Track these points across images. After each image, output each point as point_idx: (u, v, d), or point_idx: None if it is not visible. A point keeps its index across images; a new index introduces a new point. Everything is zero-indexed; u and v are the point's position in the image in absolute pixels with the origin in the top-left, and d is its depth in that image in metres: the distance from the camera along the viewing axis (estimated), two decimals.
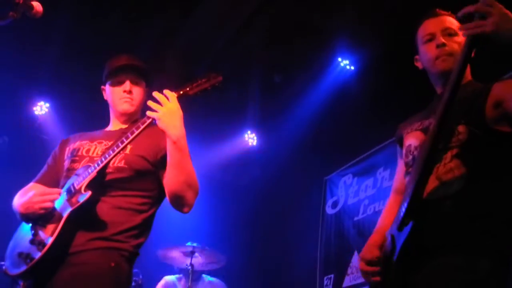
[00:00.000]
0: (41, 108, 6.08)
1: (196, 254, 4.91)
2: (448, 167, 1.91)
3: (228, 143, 6.72)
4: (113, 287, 2.25)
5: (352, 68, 5.76)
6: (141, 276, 4.77)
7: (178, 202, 2.32)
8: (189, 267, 4.86)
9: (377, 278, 2.04)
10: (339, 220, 5.80)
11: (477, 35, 1.76)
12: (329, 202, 6.06)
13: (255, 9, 5.12)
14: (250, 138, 6.81)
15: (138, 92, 2.59)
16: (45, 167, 2.64)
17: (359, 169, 5.72)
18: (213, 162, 6.61)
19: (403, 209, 1.91)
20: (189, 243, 5.01)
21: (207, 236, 5.94)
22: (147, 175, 2.40)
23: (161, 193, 2.43)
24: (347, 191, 5.78)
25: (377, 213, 5.00)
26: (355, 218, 5.51)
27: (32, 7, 2.12)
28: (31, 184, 2.59)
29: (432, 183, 1.91)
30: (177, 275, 5.28)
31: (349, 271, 5.22)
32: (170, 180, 2.30)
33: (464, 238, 1.85)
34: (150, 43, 5.34)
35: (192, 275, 4.84)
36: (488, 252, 1.82)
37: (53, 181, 2.54)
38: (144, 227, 2.41)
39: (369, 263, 2.07)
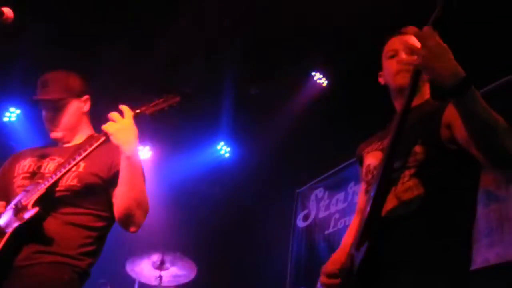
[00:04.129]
0: (11, 115, 5.96)
1: (167, 264, 4.83)
2: (407, 185, 1.93)
3: (201, 154, 6.68)
4: None
5: (325, 83, 5.77)
6: (108, 286, 4.69)
7: (126, 220, 2.26)
8: (158, 278, 4.78)
9: None
10: (310, 233, 5.80)
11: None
12: (300, 215, 6.06)
13: (232, 21, 5.12)
14: (223, 149, 6.78)
15: (58, 116, 2.51)
16: None
17: (330, 183, 5.74)
18: (186, 172, 6.56)
19: (361, 229, 1.91)
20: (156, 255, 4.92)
21: (177, 247, 5.87)
22: (100, 193, 2.36)
23: (113, 212, 2.35)
24: (319, 205, 5.80)
25: (347, 227, 4.98)
26: (326, 232, 5.52)
27: (2, 13, 2.07)
28: None
29: (391, 202, 1.92)
30: None
31: (319, 285, 5.19)
32: (120, 196, 2.26)
33: (424, 256, 1.86)
34: (123, 53, 5.28)
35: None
36: (448, 270, 1.83)
37: (1, 196, 2.44)
38: (96, 246, 2.35)
39: (329, 276, 2.09)
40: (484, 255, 3.85)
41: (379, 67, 2.31)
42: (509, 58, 4.01)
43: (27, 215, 2.20)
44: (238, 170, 6.78)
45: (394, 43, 2.21)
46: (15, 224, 2.20)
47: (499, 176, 3.87)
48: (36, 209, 2.20)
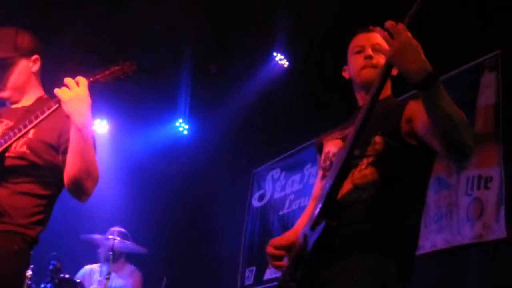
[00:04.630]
0: None
1: (118, 240, 4.81)
2: (363, 173, 2.01)
3: (158, 130, 6.62)
4: (16, 270, 2.21)
5: (287, 63, 5.77)
6: (59, 260, 4.62)
7: (77, 190, 2.26)
8: (110, 253, 4.75)
9: (281, 263, 2.17)
10: (264, 213, 5.84)
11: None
12: (256, 195, 6.09)
13: None
14: (181, 127, 6.72)
15: (6, 75, 2.43)
16: None
17: (287, 164, 5.78)
18: (142, 148, 6.51)
19: (317, 210, 1.99)
20: (111, 229, 4.90)
21: (130, 223, 5.83)
22: (49, 161, 2.32)
23: (62, 179, 2.32)
24: (274, 185, 5.84)
25: (302, 208, 5.06)
26: (280, 212, 5.57)
27: None
28: None
29: (346, 187, 2.00)
30: (98, 264, 5.17)
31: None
32: (70, 167, 2.23)
33: (374, 242, 1.94)
34: (84, 22, 5.16)
35: (113, 261, 4.73)
36: (397, 256, 1.93)
37: None
38: (45, 214, 2.34)
39: (275, 247, 2.19)
40: (432, 240, 3.96)
41: (342, 51, 2.35)
42: (465, 47, 4.10)
43: None
44: (195, 148, 6.75)
45: (361, 39, 2.27)
46: None
47: (451, 164, 3.98)
48: None
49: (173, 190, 6.69)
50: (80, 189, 2.25)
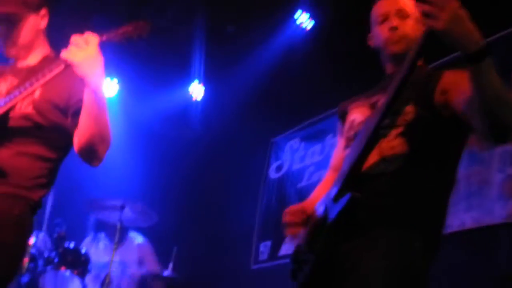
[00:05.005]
0: None
1: (127, 208, 4.85)
2: (391, 144, 2.01)
3: (171, 93, 6.61)
4: (15, 237, 2.23)
5: (311, 24, 5.70)
6: (64, 228, 4.70)
7: (89, 155, 2.30)
8: (117, 223, 4.80)
9: (298, 230, 2.17)
10: (281, 185, 5.84)
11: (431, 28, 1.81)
12: (273, 166, 6.09)
13: None
14: (196, 90, 6.71)
15: (13, 31, 2.43)
16: None
17: (307, 133, 5.75)
18: (153, 111, 6.52)
19: (341, 181, 2.00)
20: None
21: (140, 191, 5.89)
22: (56, 123, 2.34)
23: (68, 142, 2.38)
24: (293, 156, 5.82)
25: None
26: (299, 185, 5.56)
27: None
28: None
29: (372, 158, 2.00)
30: (103, 233, 5.25)
31: (287, 239, 5.28)
32: (83, 131, 2.26)
33: (400, 215, 1.96)
34: None
35: (120, 232, 4.78)
36: (423, 231, 1.94)
37: None
38: (50, 177, 2.38)
39: (292, 214, 2.20)
40: (461, 218, 3.94)
41: (367, 15, 2.30)
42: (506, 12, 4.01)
43: None
44: (210, 114, 6.74)
45: (383, 6, 2.23)
46: None
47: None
48: None
49: (185, 158, 6.71)
50: (92, 153, 2.29)
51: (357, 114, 2.21)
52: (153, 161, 6.54)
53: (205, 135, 6.80)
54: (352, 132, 2.18)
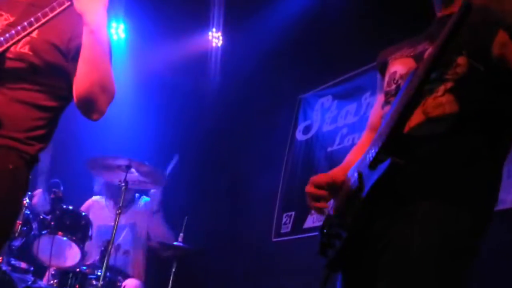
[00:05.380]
0: None
1: (133, 169, 4.83)
2: (439, 101, 1.95)
3: (187, 40, 6.57)
4: (9, 193, 2.22)
5: None
6: (62, 188, 4.70)
7: (87, 106, 2.29)
8: (122, 184, 4.79)
9: (322, 205, 2.15)
10: (309, 148, 5.80)
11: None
12: (301, 126, 6.03)
13: None
14: (215, 38, 6.65)
15: None
16: None
17: (341, 90, 5.67)
18: (168, 60, 6.49)
19: (379, 144, 1.94)
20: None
21: (149, 151, 5.88)
22: (55, 67, 2.31)
23: (71, 90, 2.34)
24: (324, 116, 5.75)
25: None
26: (329, 149, 5.50)
27: None
28: None
29: (416, 118, 1.95)
30: (105, 196, 5.27)
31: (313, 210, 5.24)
32: (81, 78, 2.25)
33: (446, 186, 1.91)
34: None
35: (125, 194, 4.77)
36: (472, 206, 1.89)
37: None
38: (49, 129, 2.36)
39: (317, 186, 2.17)
40: None
41: None
42: None
43: None
44: (230, 66, 6.68)
45: None
46: None
47: None
48: None
49: (200, 115, 6.68)
50: (91, 105, 2.27)
51: (399, 66, 2.13)
52: (164, 117, 6.52)
53: (224, 90, 6.75)
54: (393, 86, 2.12)
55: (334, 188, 2.16)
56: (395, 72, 2.14)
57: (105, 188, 5.35)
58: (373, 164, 1.93)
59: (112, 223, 4.70)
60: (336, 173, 2.21)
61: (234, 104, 6.64)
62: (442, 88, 1.95)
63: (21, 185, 2.30)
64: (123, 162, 4.80)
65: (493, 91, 1.95)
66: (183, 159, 6.30)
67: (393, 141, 1.92)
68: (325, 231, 2.13)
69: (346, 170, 2.15)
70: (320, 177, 2.20)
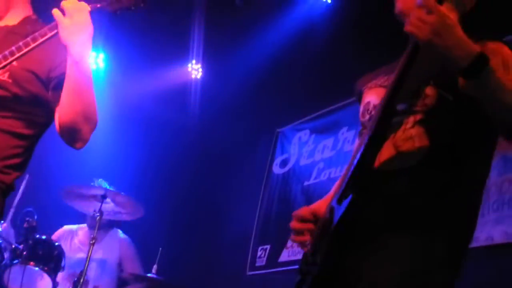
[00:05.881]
0: None
1: (108, 199, 4.79)
2: (408, 134, 1.91)
3: (167, 71, 6.58)
4: None
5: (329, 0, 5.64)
6: (36, 217, 4.64)
7: (71, 135, 2.29)
8: (97, 214, 4.74)
9: (305, 238, 2.11)
10: (286, 182, 5.80)
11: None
12: (278, 160, 6.04)
13: None
14: (194, 70, 6.66)
15: None
16: None
17: (318, 125, 5.69)
18: (147, 91, 6.47)
19: (347, 179, 1.91)
20: (100, 183, 4.88)
21: (125, 181, 5.84)
22: (35, 95, 2.31)
23: (49, 118, 2.36)
24: (301, 150, 5.77)
25: (332, 180, 4.99)
26: (306, 183, 5.51)
27: None
28: None
29: (386, 151, 1.91)
30: (79, 225, 5.20)
31: (288, 244, 5.23)
32: (65, 108, 2.24)
33: (418, 218, 1.86)
34: None
35: (99, 224, 4.73)
36: (446, 238, 1.85)
37: None
38: (25, 157, 2.36)
39: (301, 220, 2.14)
40: (489, 232, 3.87)
41: None
42: None
43: None
44: (209, 98, 6.69)
45: None
46: None
47: None
48: None
49: (179, 146, 6.66)
50: (75, 134, 2.28)
51: (373, 96, 2.12)
52: (142, 147, 6.49)
53: (203, 122, 6.75)
54: (366, 117, 2.10)
55: (315, 221, 2.13)
56: (368, 103, 2.13)
57: (79, 217, 5.28)
58: (340, 199, 1.91)
59: (83, 255, 4.65)
60: (318, 206, 2.18)
61: (212, 136, 6.65)
62: (411, 120, 1.92)
63: None
64: (98, 191, 4.77)
65: (463, 121, 1.92)
66: (160, 190, 6.28)
67: (359, 175, 1.87)
68: (301, 268, 2.09)
69: (326, 202, 2.11)
70: (303, 211, 2.18)
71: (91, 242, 4.60)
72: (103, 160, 5.95)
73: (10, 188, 2.33)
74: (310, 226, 2.12)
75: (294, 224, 2.16)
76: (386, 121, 1.87)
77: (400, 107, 1.91)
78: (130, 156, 6.34)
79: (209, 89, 6.68)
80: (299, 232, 2.14)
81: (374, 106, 2.08)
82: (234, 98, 6.40)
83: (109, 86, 6.07)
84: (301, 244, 2.16)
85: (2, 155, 2.27)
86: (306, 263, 2.08)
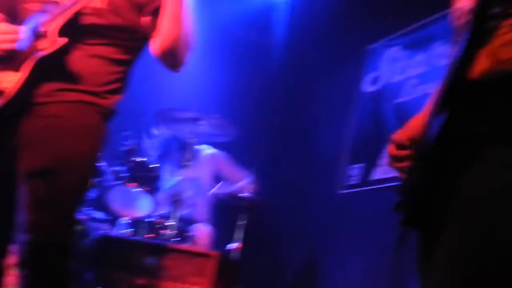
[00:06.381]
0: None
1: (201, 122, 4.88)
2: (506, 39, 1.74)
3: None
4: (88, 146, 2.32)
5: None
6: (133, 141, 4.83)
7: (170, 59, 2.41)
8: (191, 137, 4.86)
9: (403, 164, 2.01)
10: (377, 100, 5.72)
11: None
12: (368, 78, 5.95)
13: None
14: None
15: None
16: None
17: (411, 40, 5.53)
18: (231, 14, 6.46)
19: (441, 93, 1.79)
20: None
21: (216, 103, 5.92)
22: (131, 21, 2.38)
23: (144, 43, 2.44)
24: (392, 66, 5.64)
25: (426, 96, 4.88)
26: (398, 100, 5.41)
27: None
28: None
29: (482, 60, 1.76)
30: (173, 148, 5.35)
31: (381, 162, 5.21)
32: (164, 33, 2.33)
33: None
34: None
35: (191, 146, 4.85)
36: None
37: (7, 6, 2.47)
38: (123, 82, 2.44)
39: (399, 146, 2.04)
40: None
41: None
42: None
43: (53, 45, 2.22)
44: (295, 16, 6.62)
45: None
46: (39, 54, 2.23)
47: None
48: (64, 40, 2.23)
49: (265, 67, 6.67)
50: (174, 58, 2.40)
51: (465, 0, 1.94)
52: (230, 69, 6.53)
53: (288, 40, 6.70)
54: (462, 21, 1.91)
55: (414, 143, 2.01)
56: (462, 7, 1.96)
57: (172, 140, 5.39)
58: (436, 115, 1.79)
59: (179, 176, 4.81)
60: (414, 124, 2.05)
61: (300, 56, 6.59)
62: (508, 24, 1.75)
63: (99, 141, 2.38)
64: (191, 114, 4.86)
65: None
66: (250, 112, 6.35)
67: (453, 87, 1.75)
68: (401, 188, 2.06)
69: (424, 118, 1.97)
70: (401, 136, 2.06)
71: (186, 163, 4.75)
72: (193, 84, 6.04)
73: (112, 112, 2.42)
74: (408, 152, 2.03)
75: (392, 150, 2.07)
76: (479, 26, 1.74)
77: (494, 10, 1.75)
78: (219, 79, 6.41)
79: (297, 9, 6.60)
80: (397, 159, 2.06)
81: (470, 10, 1.89)
82: (321, 16, 6.30)
83: (196, 10, 6.09)
84: (400, 170, 2.07)
85: (101, 81, 2.36)
86: (405, 183, 2.05)
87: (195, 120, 4.85)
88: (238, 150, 5.67)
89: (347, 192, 5.68)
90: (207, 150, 5.42)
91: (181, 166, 4.89)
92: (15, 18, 2.48)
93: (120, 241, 4.41)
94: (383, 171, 5.17)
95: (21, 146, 2.26)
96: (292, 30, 6.70)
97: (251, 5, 6.54)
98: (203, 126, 4.94)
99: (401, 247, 1.99)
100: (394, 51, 5.70)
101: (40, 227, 2.21)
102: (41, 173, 2.22)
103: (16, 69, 2.23)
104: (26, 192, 2.23)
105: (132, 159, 4.79)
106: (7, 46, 2.26)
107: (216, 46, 6.38)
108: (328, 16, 6.22)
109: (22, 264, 2.22)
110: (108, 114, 2.40)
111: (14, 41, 2.27)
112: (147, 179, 4.77)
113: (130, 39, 2.42)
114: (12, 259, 2.40)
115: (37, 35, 2.26)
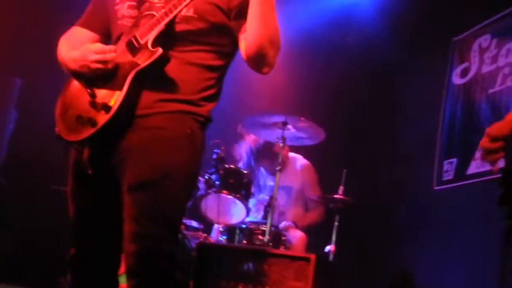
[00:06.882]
0: None
1: (289, 126, 4.89)
2: None
3: None
4: (189, 156, 2.36)
5: None
6: (223, 148, 4.90)
7: (259, 61, 2.37)
8: (280, 142, 4.87)
9: (497, 156, 2.02)
10: (468, 92, 5.58)
11: None
12: (457, 70, 5.81)
13: None
14: None
15: None
16: (90, 7, 2.67)
17: (500, 28, 5.35)
18: (315, 14, 6.45)
19: None
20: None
21: (303, 106, 5.92)
22: (219, 26, 2.41)
23: (234, 47, 2.46)
24: (482, 57, 5.48)
25: None
26: (490, 90, 5.26)
27: None
28: (76, 28, 2.65)
29: None
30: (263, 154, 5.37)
31: (476, 155, 5.08)
32: (251, 35, 2.32)
33: None
34: None
35: (282, 152, 4.86)
36: None
37: (101, 27, 2.58)
38: (217, 88, 2.48)
39: (494, 139, 2.03)
40: None
41: None
42: None
43: (150, 56, 2.30)
44: (379, 12, 6.55)
45: None
46: (136, 67, 2.32)
47: None
48: (160, 51, 2.29)
49: (350, 64, 6.61)
50: (263, 59, 2.38)
51: None
52: (313, 68, 6.51)
53: (373, 37, 6.63)
54: None
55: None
56: None
57: (262, 146, 5.43)
58: None
59: (271, 182, 4.83)
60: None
61: (385, 50, 6.49)
62: None
63: (199, 149, 2.42)
64: (279, 119, 4.88)
65: None
66: (337, 112, 6.32)
67: None
68: (503, 180, 2.00)
69: None
70: (497, 128, 2.06)
71: (277, 169, 4.76)
72: (279, 88, 6.06)
73: (208, 120, 2.45)
74: (502, 143, 2.02)
75: (485, 143, 2.07)
76: None
77: None
78: (304, 81, 6.41)
79: (379, 3, 6.53)
80: (491, 151, 2.06)
81: None
82: (404, 9, 6.21)
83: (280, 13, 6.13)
84: (493, 163, 2.07)
85: (196, 89, 2.40)
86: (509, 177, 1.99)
87: (283, 124, 4.86)
88: (327, 152, 5.65)
89: (443, 188, 5.56)
90: (298, 159, 5.45)
91: (272, 172, 4.91)
92: (109, 38, 2.60)
93: (218, 248, 4.46)
94: (479, 164, 5.03)
95: (125, 159, 2.33)
96: (375, 27, 6.61)
97: (333, 5, 6.52)
98: (291, 130, 4.94)
99: (509, 243, 1.94)
100: (483, 41, 5.54)
101: (146, 238, 2.27)
102: (145, 185, 2.28)
103: (119, 84, 2.31)
104: (131, 204, 2.30)
105: (224, 166, 4.85)
106: (103, 65, 2.34)
107: (298, 46, 6.39)
108: (413, 10, 6.12)
109: (129, 274, 2.29)
110: (204, 122, 2.43)
111: (109, 59, 2.35)
112: (239, 186, 4.81)
113: (220, 44, 2.45)
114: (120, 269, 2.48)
115: (133, 47, 2.34)
